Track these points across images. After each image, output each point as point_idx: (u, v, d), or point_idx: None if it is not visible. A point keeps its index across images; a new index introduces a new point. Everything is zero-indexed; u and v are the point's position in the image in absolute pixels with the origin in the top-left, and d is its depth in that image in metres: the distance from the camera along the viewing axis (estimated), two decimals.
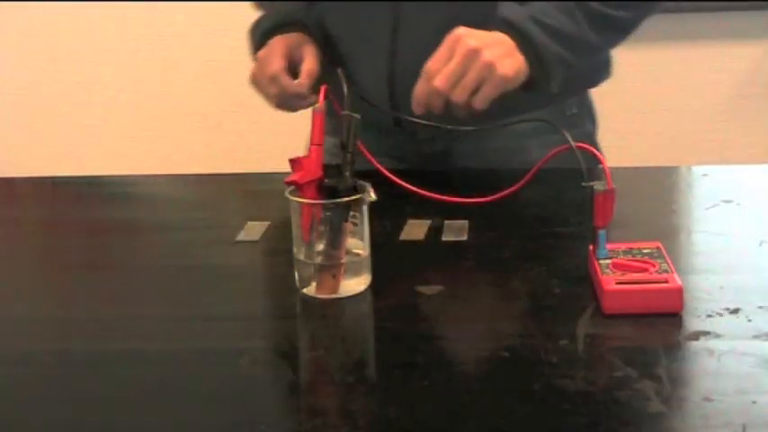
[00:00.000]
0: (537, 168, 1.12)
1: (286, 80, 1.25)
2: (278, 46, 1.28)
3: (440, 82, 1.16)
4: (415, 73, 1.20)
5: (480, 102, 1.17)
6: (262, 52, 1.28)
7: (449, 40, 1.17)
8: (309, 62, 1.26)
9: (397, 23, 1.28)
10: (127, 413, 0.80)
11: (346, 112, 1.02)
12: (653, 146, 2.61)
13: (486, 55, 1.16)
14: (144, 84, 2.63)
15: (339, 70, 1.11)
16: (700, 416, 0.75)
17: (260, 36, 1.32)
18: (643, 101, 2.61)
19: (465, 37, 1.17)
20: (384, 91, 1.29)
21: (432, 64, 1.17)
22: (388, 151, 1.28)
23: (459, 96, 1.16)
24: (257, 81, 1.28)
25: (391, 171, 1.14)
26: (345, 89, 1.06)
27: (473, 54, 1.15)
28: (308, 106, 1.21)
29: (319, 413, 0.78)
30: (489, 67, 1.16)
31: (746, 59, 2.60)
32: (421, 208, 1.15)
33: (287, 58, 1.27)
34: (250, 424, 0.76)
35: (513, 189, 1.13)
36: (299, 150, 1.06)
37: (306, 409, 0.79)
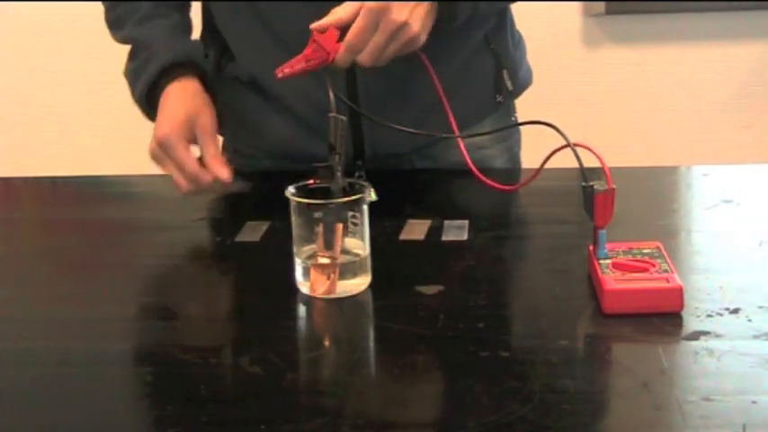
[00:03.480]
0: (543, 164, 1.12)
1: (199, 173, 1.17)
2: (176, 117, 1.20)
3: (366, 59, 1.10)
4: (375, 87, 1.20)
5: (383, 62, 1.11)
6: (160, 127, 1.20)
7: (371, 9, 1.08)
8: (211, 146, 1.20)
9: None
10: (126, 413, 0.80)
11: (332, 114, 1.03)
12: (653, 146, 2.61)
13: (401, 16, 1.09)
14: None
15: (326, 75, 1.10)
16: (700, 416, 0.75)
17: (149, 80, 1.25)
18: (643, 101, 2.61)
19: (393, 9, 1.08)
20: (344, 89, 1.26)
21: (355, 38, 1.09)
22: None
23: (367, 62, 1.10)
24: (159, 161, 1.20)
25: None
26: (331, 93, 1.06)
27: (400, 28, 1.09)
28: (235, 190, 1.20)
29: (319, 413, 0.78)
30: (402, 29, 1.09)
31: (746, 59, 2.60)
32: (421, 208, 1.15)
33: (189, 135, 1.20)
34: (250, 424, 0.76)
35: (526, 181, 1.13)
36: None
37: (306, 409, 0.79)
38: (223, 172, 1.17)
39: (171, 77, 1.25)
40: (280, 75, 1.10)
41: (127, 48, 1.32)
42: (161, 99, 1.24)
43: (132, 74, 1.30)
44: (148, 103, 1.27)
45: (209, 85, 1.26)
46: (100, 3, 1.40)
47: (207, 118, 1.21)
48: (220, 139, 1.43)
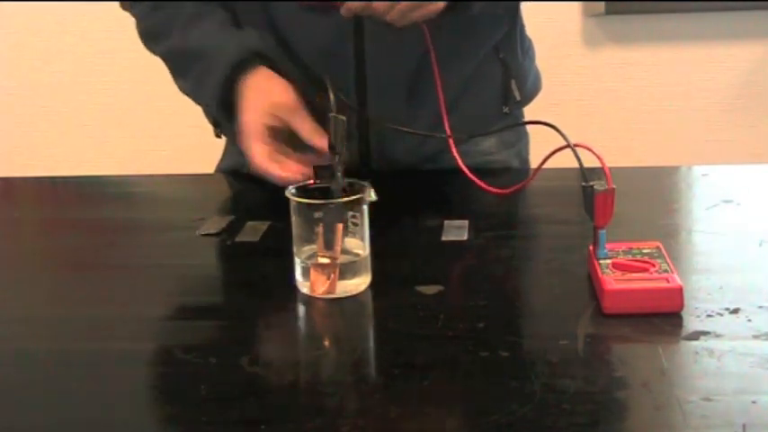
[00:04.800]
0: (541, 164, 1.12)
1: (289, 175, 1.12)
2: (256, 123, 1.16)
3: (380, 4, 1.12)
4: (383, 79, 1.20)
5: (400, 22, 1.14)
6: (245, 138, 1.17)
7: None
8: (305, 122, 1.16)
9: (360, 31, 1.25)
10: (126, 413, 0.80)
11: (332, 114, 1.03)
12: (653, 146, 2.61)
13: None
14: (144, 83, 2.63)
15: (326, 76, 1.10)
16: (700, 416, 0.75)
17: (219, 81, 1.20)
18: (643, 101, 2.61)
19: None
20: (353, 97, 1.28)
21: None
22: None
23: (392, 18, 1.13)
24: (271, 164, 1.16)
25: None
26: (331, 94, 1.06)
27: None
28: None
29: (319, 413, 0.78)
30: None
31: (746, 59, 2.60)
32: (421, 208, 1.15)
33: (270, 135, 1.17)
34: (250, 424, 0.76)
35: (521, 185, 1.14)
36: None
37: (306, 409, 0.79)
38: (323, 142, 1.10)
39: (241, 75, 1.20)
40: None
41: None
42: (242, 98, 1.19)
43: (195, 83, 1.24)
44: (223, 107, 1.22)
45: (280, 66, 1.21)
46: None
47: (287, 96, 1.17)
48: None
